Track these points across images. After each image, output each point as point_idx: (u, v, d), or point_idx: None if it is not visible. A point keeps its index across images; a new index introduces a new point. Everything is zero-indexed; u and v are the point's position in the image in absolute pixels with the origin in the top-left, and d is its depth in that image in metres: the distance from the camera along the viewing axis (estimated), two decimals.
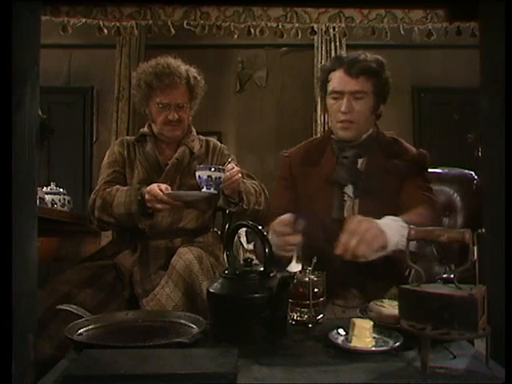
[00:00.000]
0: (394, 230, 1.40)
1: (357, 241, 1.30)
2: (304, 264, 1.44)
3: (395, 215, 1.61)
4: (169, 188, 1.82)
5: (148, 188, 1.83)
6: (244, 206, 1.90)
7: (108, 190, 1.95)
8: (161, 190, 1.79)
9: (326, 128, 4.46)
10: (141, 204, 1.84)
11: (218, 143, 2.22)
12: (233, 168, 1.87)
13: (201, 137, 2.18)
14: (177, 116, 2.01)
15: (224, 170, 1.84)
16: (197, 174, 1.84)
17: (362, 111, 1.71)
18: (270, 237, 1.46)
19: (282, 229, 1.46)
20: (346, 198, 1.72)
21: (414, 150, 1.80)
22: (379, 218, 1.62)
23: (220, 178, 1.82)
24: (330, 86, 1.73)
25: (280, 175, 1.89)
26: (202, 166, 1.87)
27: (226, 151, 2.18)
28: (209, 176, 1.81)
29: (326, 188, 1.73)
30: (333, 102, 1.73)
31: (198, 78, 2.08)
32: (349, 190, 1.72)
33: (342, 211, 1.71)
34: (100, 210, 1.93)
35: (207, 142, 2.19)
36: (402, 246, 1.41)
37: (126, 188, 1.93)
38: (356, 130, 1.73)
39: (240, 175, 1.88)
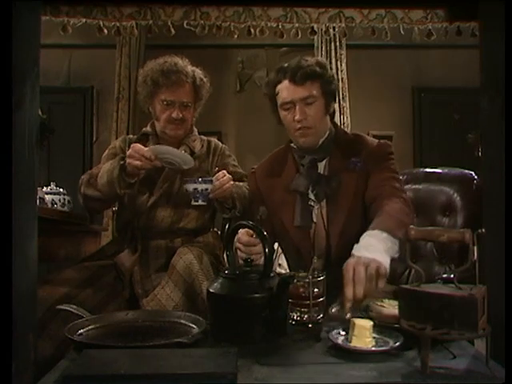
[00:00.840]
0: (381, 250, 1.38)
1: (362, 287, 1.26)
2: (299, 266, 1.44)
3: (364, 214, 1.65)
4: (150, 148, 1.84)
5: (132, 145, 1.84)
6: (237, 213, 1.90)
7: (96, 167, 1.98)
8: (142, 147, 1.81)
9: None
10: (122, 168, 1.82)
11: (220, 143, 2.21)
12: (224, 176, 1.86)
13: (202, 137, 2.18)
14: (181, 115, 2.01)
15: (211, 180, 1.84)
16: (184, 187, 1.86)
17: (316, 115, 1.74)
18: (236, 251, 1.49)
19: (247, 239, 1.48)
20: (312, 203, 1.75)
21: (374, 141, 1.82)
22: (344, 218, 1.68)
23: (207, 189, 1.82)
24: (280, 99, 1.76)
25: (251, 192, 1.92)
26: (188, 179, 1.86)
27: (227, 152, 2.18)
28: (194, 189, 1.82)
29: (290, 197, 1.76)
30: (286, 114, 1.76)
31: (204, 79, 2.08)
32: (312, 196, 1.75)
33: (309, 217, 1.73)
34: (86, 185, 1.95)
35: (208, 142, 2.18)
36: (391, 253, 1.42)
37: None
38: (315, 134, 1.76)
39: (231, 183, 1.87)
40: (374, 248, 1.38)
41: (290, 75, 1.71)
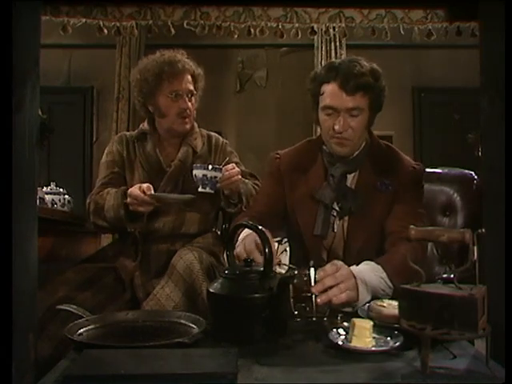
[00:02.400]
0: (369, 285, 1.37)
1: (333, 282, 1.27)
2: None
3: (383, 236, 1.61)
4: (151, 187, 1.79)
5: (129, 191, 1.80)
6: (243, 208, 1.89)
7: (101, 193, 1.93)
8: (143, 192, 1.76)
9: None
10: (127, 207, 1.83)
11: (220, 138, 2.18)
12: (233, 168, 1.86)
13: (203, 131, 2.15)
14: (189, 105, 1.99)
15: (221, 169, 1.83)
16: (193, 172, 1.84)
17: (358, 128, 1.63)
18: (238, 247, 1.43)
19: (252, 247, 1.40)
20: (335, 213, 1.68)
21: (409, 164, 1.72)
22: (365, 237, 1.63)
23: (216, 177, 1.81)
24: (323, 101, 1.62)
25: (269, 173, 1.83)
26: (198, 164, 1.86)
27: (228, 148, 2.15)
28: (204, 175, 1.81)
29: (311, 201, 1.68)
30: (326, 118, 1.63)
31: (200, 70, 2.08)
32: (337, 207, 1.68)
33: (327, 228, 1.66)
34: (93, 215, 1.93)
35: (209, 137, 2.15)
36: (381, 295, 1.40)
37: (115, 190, 1.90)
38: (351, 146, 1.66)
39: (240, 176, 1.86)
40: (365, 279, 1.36)
41: (340, 80, 1.57)
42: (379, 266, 1.43)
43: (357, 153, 1.69)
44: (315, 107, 1.68)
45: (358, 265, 1.42)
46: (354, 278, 1.34)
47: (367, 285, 1.36)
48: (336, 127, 1.60)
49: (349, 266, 1.38)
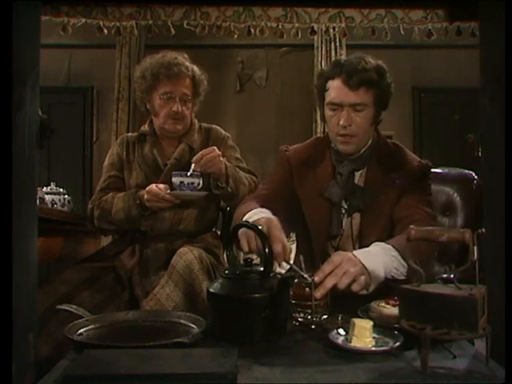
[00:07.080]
0: (380, 262, 1.34)
1: (331, 267, 1.24)
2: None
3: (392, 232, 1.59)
4: (168, 187, 1.86)
5: (147, 188, 1.87)
6: (228, 189, 1.87)
7: (104, 198, 1.98)
8: (160, 190, 1.84)
9: (326, 128, 4.48)
10: (140, 207, 1.89)
11: (222, 132, 2.16)
12: (211, 152, 1.84)
13: (203, 126, 2.15)
14: (181, 109, 2.00)
15: (199, 175, 1.87)
16: (172, 179, 1.88)
17: (362, 124, 1.63)
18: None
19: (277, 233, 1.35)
20: (343, 211, 1.69)
21: (416, 160, 1.73)
22: (379, 233, 1.61)
23: (193, 183, 1.86)
24: (328, 97, 1.66)
25: (279, 164, 1.83)
26: (177, 172, 1.89)
27: (230, 142, 2.14)
28: (181, 182, 1.86)
29: (319, 199, 1.69)
30: (331, 114, 1.66)
31: (202, 76, 2.08)
32: (345, 205, 1.69)
33: (340, 226, 1.67)
34: (99, 219, 1.97)
35: (209, 130, 2.14)
36: (395, 274, 1.38)
37: (122, 194, 1.96)
38: (356, 143, 1.66)
39: (217, 153, 1.85)
40: (374, 257, 1.34)
41: (344, 76, 1.59)
42: (389, 246, 1.41)
43: (363, 150, 1.70)
44: (321, 104, 1.72)
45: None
46: (355, 257, 1.31)
47: (376, 262, 1.33)
48: (341, 122, 1.62)
49: None
